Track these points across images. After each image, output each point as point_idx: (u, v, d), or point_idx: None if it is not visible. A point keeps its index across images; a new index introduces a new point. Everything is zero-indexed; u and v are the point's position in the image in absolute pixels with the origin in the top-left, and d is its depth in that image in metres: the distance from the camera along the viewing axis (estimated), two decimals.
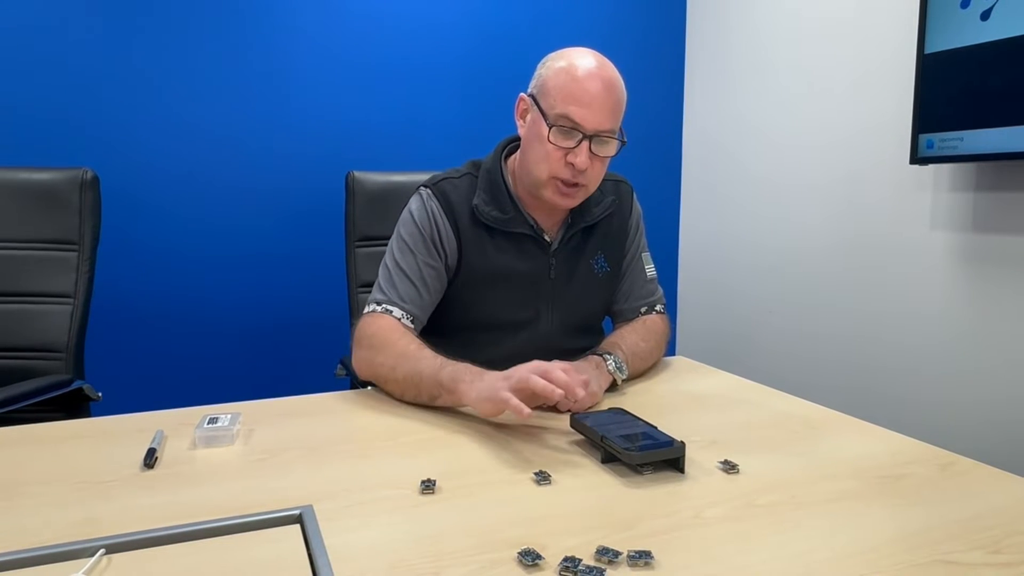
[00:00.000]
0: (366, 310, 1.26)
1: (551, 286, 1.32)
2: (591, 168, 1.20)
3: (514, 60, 2.44)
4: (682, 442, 0.88)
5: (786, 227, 2.37)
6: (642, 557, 0.66)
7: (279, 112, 2.24)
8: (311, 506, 0.77)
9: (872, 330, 2.07)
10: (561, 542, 0.70)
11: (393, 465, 0.90)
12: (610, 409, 1.03)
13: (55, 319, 1.61)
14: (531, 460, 0.92)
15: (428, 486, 0.82)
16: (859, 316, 2.12)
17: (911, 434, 1.00)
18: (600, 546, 0.68)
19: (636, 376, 1.30)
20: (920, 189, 1.92)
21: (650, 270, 1.43)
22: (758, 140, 2.47)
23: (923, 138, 1.76)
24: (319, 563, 0.66)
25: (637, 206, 1.44)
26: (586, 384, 1.03)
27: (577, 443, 0.98)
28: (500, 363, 1.06)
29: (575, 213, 1.32)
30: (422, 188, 1.32)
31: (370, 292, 1.31)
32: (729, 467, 0.89)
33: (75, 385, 1.54)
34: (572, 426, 0.99)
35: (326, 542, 0.69)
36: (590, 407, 1.08)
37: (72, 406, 1.54)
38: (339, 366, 1.72)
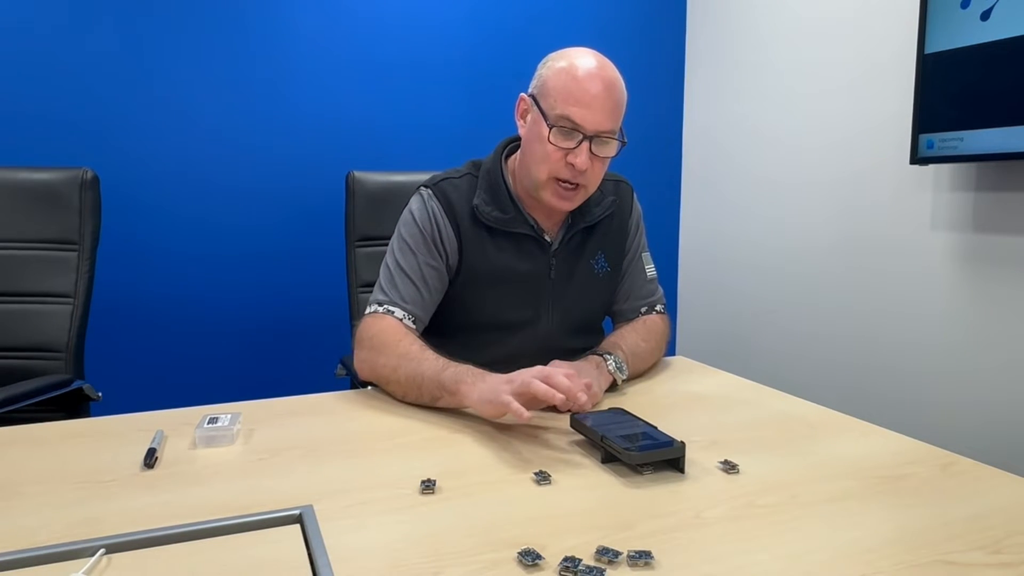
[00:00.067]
0: (367, 311, 1.26)
1: (551, 286, 1.32)
2: (591, 169, 1.20)
3: (514, 60, 2.44)
4: (682, 442, 0.88)
5: (786, 227, 2.37)
6: (642, 557, 0.66)
7: (279, 112, 2.24)
8: (311, 506, 0.77)
9: (872, 330, 2.07)
10: (561, 542, 0.70)
11: (393, 465, 0.90)
12: (610, 409, 1.03)
13: (55, 319, 1.61)
14: (531, 460, 0.92)
15: (428, 486, 0.82)
16: (859, 316, 2.12)
17: (911, 434, 1.00)
18: (600, 546, 0.68)
19: (636, 376, 1.30)
20: (920, 189, 1.92)
21: (650, 270, 1.43)
22: (758, 140, 2.47)
23: (923, 138, 1.76)
24: (319, 563, 0.66)
25: (637, 206, 1.44)
26: (588, 387, 1.03)
27: (577, 443, 0.98)
28: (501, 363, 1.06)
29: (575, 213, 1.32)
30: (422, 188, 1.32)
31: (370, 292, 1.31)
32: (729, 467, 0.89)
33: (75, 385, 1.54)
34: (572, 426, 0.99)
35: (326, 542, 0.69)
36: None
37: (72, 406, 1.54)
38: (339, 366, 1.72)
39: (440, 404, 1.10)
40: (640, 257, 1.42)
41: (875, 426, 1.05)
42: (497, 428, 1.03)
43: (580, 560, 0.66)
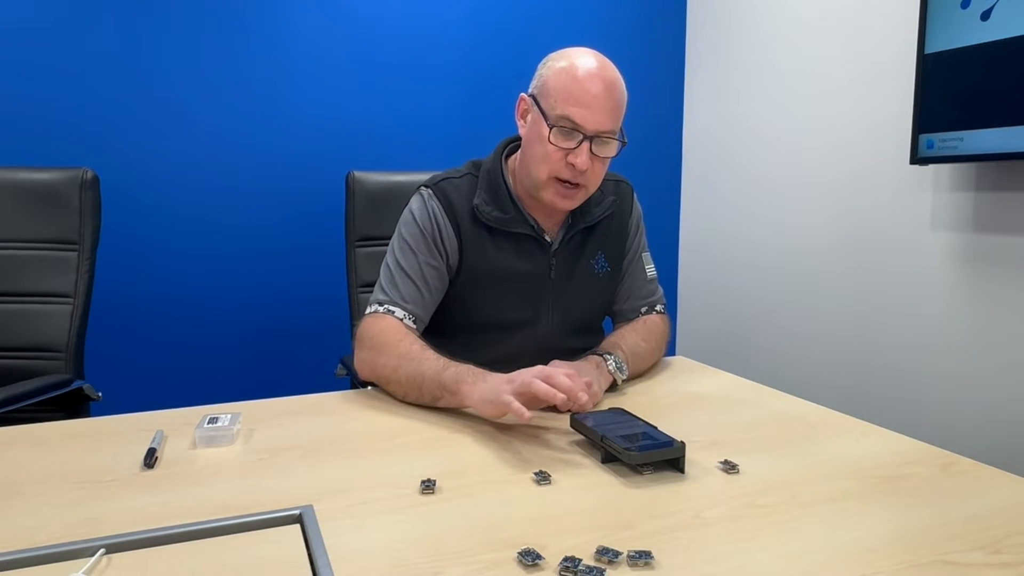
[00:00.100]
0: (368, 311, 1.26)
1: (551, 286, 1.32)
2: (591, 169, 1.20)
3: (514, 60, 2.44)
4: (682, 442, 0.88)
5: (786, 227, 2.37)
6: (642, 557, 0.66)
7: (279, 112, 2.24)
8: (311, 506, 0.77)
9: (872, 330, 2.07)
10: (561, 542, 0.70)
11: (393, 465, 0.90)
12: (610, 409, 1.03)
13: (55, 319, 1.61)
14: (531, 460, 0.92)
15: (428, 486, 0.82)
16: (859, 316, 2.11)
17: (911, 434, 1.00)
18: (600, 546, 0.68)
19: (636, 376, 1.30)
20: (920, 189, 1.92)
21: (650, 270, 1.43)
22: (758, 140, 2.47)
23: (923, 138, 1.76)
24: (319, 563, 0.66)
25: (637, 206, 1.44)
26: (589, 387, 1.03)
27: (577, 443, 0.98)
28: (501, 363, 1.07)
29: (575, 213, 1.32)
30: (423, 188, 1.32)
31: (370, 292, 1.31)
32: (729, 467, 0.89)
33: (75, 385, 1.54)
34: (572, 426, 0.99)
35: (326, 542, 0.69)
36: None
37: (72, 406, 1.54)
38: (339, 366, 1.72)
39: (441, 404, 1.10)
40: (640, 257, 1.42)
41: (875, 426, 1.05)
42: (497, 428, 1.03)
43: (580, 560, 0.66)
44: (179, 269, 2.18)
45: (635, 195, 1.44)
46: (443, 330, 1.31)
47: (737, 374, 1.33)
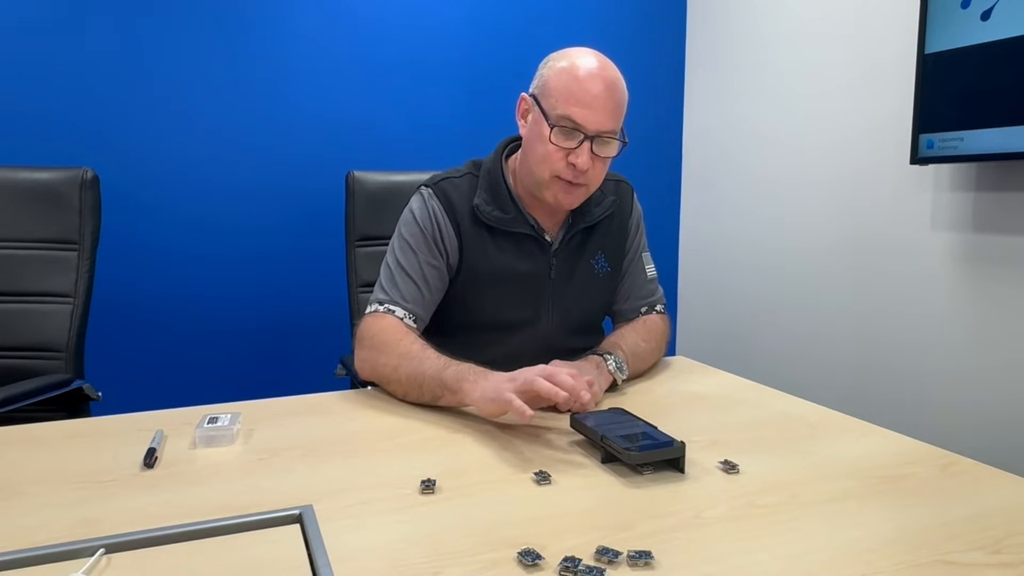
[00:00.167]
0: (368, 310, 1.26)
1: (551, 286, 1.32)
2: (592, 169, 1.20)
3: (514, 60, 2.44)
4: (682, 442, 0.88)
5: (786, 227, 2.37)
6: (642, 557, 0.66)
7: (279, 112, 2.24)
8: (311, 506, 0.77)
9: (872, 330, 2.07)
10: (561, 542, 0.70)
11: (393, 465, 0.90)
12: (610, 409, 1.03)
13: (55, 319, 1.61)
14: (531, 460, 0.92)
15: (428, 486, 0.82)
16: (859, 316, 2.11)
17: (911, 434, 1.00)
18: (600, 546, 0.68)
19: (636, 376, 1.30)
20: (920, 189, 1.92)
21: (650, 270, 1.43)
22: (758, 140, 2.47)
23: (923, 138, 1.76)
24: (319, 563, 0.66)
25: (637, 206, 1.44)
26: (591, 386, 1.03)
27: (577, 443, 0.98)
28: (501, 363, 1.07)
29: (576, 213, 1.32)
30: (423, 187, 1.32)
31: (370, 292, 1.31)
32: (729, 467, 0.89)
33: (75, 385, 1.54)
34: (572, 426, 0.99)
35: (326, 542, 0.69)
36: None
37: (72, 406, 1.54)
38: (339, 366, 1.72)
39: (442, 403, 1.10)
40: (640, 257, 1.42)
41: (875, 426, 1.05)
42: (497, 428, 1.03)
43: (580, 560, 0.66)
44: (179, 269, 2.18)
45: (635, 195, 1.44)
46: (443, 330, 1.31)
47: (737, 374, 1.33)
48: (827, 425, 1.07)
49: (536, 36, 2.48)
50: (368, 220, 1.79)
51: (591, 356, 1.24)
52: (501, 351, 1.24)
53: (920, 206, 1.93)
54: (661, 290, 1.45)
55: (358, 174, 1.81)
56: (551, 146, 1.18)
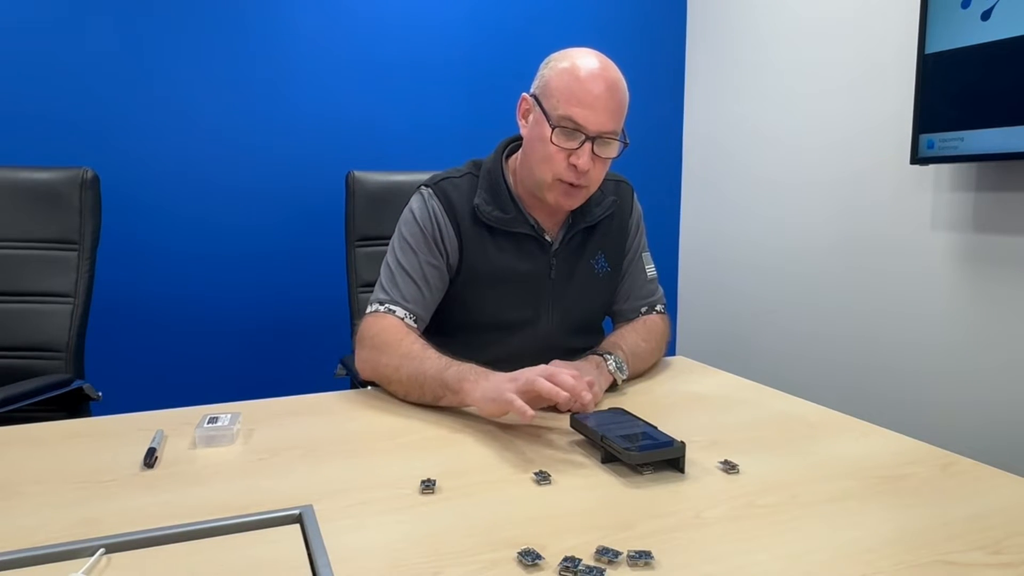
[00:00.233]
0: (369, 310, 1.26)
1: (551, 286, 1.32)
2: (593, 169, 1.20)
3: (514, 60, 2.44)
4: (682, 442, 0.88)
5: (786, 227, 2.37)
6: (642, 557, 0.66)
7: (279, 112, 2.24)
8: (311, 506, 0.77)
9: (872, 330, 2.07)
10: (561, 542, 0.70)
11: (393, 465, 0.90)
12: (610, 409, 1.03)
13: (55, 318, 1.61)
14: (531, 460, 0.92)
15: (428, 486, 0.82)
16: (859, 316, 2.11)
17: (911, 434, 1.00)
18: (600, 546, 0.68)
19: (636, 376, 1.30)
20: (920, 189, 1.92)
21: (650, 270, 1.43)
22: (758, 140, 2.47)
23: (923, 138, 1.76)
24: (319, 563, 0.66)
25: (637, 206, 1.44)
26: (592, 386, 1.03)
27: (577, 443, 0.98)
28: (501, 363, 1.07)
29: (576, 213, 1.32)
30: (423, 187, 1.32)
31: (370, 292, 1.31)
32: (729, 467, 0.89)
33: (75, 385, 1.54)
34: (572, 426, 0.99)
35: (326, 542, 0.69)
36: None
37: (72, 406, 1.54)
38: (339, 366, 1.72)
39: (443, 403, 1.10)
40: (640, 257, 1.42)
41: (875, 426, 1.05)
42: (497, 428, 1.03)
43: (580, 560, 0.66)
44: (179, 269, 2.18)
45: (635, 195, 1.44)
46: (443, 329, 1.31)
47: (737, 374, 1.33)
48: (827, 425, 1.07)
49: (536, 36, 2.48)
50: (368, 220, 1.79)
51: (591, 356, 1.24)
52: (501, 351, 1.24)
53: (920, 206, 1.93)
54: (661, 290, 1.45)
55: (358, 174, 1.81)
56: (552, 147, 1.18)
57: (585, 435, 0.96)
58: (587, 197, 1.27)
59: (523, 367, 1.01)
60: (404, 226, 1.30)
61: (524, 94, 1.27)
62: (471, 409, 1.08)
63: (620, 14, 2.63)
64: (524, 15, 2.48)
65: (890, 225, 2.01)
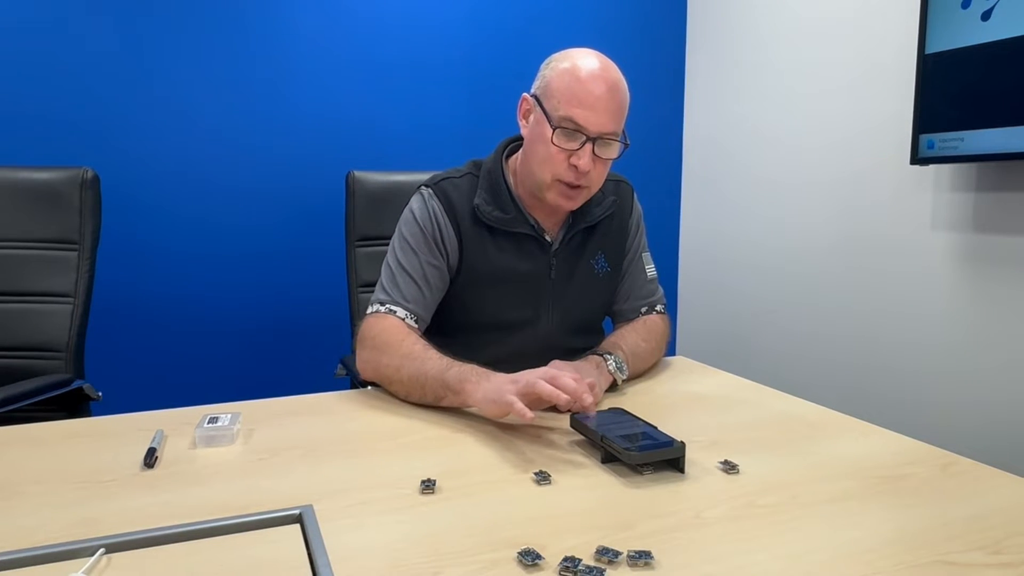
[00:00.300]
0: (369, 310, 1.26)
1: (551, 286, 1.32)
2: (594, 170, 1.20)
3: (514, 60, 2.44)
4: (682, 442, 0.88)
5: (786, 227, 2.37)
6: (642, 557, 0.66)
7: (279, 112, 2.24)
8: (311, 506, 0.77)
9: (872, 330, 2.07)
10: (561, 542, 0.70)
11: (393, 465, 0.90)
12: (610, 409, 1.03)
13: (55, 318, 1.61)
14: (531, 460, 0.92)
15: (428, 486, 0.82)
16: (859, 316, 2.11)
17: (911, 434, 1.00)
18: (600, 546, 0.68)
19: (636, 376, 1.30)
20: (920, 189, 1.92)
21: (650, 270, 1.43)
22: (758, 140, 2.47)
23: (924, 138, 1.76)
24: (319, 563, 0.66)
25: (638, 206, 1.44)
26: (593, 388, 1.03)
27: (577, 443, 0.98)
28: (501, 363, 1.07)
29: (576, 213, 1.32)
30: (423, 187, 1.32)
31: (370, 292, 1.31)
32: (729, 467, 0.89)
33: (75, 385, 1.54)
34: (572, 426, 0.99)
35: (326, 542, 0.69)
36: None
37: (72, 406, 1.54)
38: (339, 366, 1.72)
39: (444, 403, 1.10)
40: (640, 257, 1.42)
41: (875, 426, 1.05)
42: (497, 428, 1.03)
43: (580, 560, 0.66)
44: (179, 269, 2.18)
45: (635, 195, 1.44)
46: (443, 330, 1.31)
47: (737, 374, 1.33)
48: (827, 425, 1.07)
49: (536, 36, 2.48)
50: (368, 220, 1.79)
51: (591, 356, 1.24)
52: (501, 351, 1.24)
53: (920, 206, 1.93)
54: (661, 290, 1.45)
55: (358, 174, 1.81)
56: (553, 147, 1.18)
57: (585, 435, 0.96)
58: (588, 198, 1.27)
59: (523, 367, 1.01)
60: (404, 226, 1.30)
61: (525, 94, 1.27)
62: (472, 409, 1.08)
63: (620, 14, 2.63)
64: (524, 15, 2.48)
65: (890, 225, 2.01)
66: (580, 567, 0.65)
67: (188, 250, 2.19)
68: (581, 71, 1.17)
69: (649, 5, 2.68)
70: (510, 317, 1.31)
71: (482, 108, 2.45)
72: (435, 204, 1.29)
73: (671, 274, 2.85)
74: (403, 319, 1.22)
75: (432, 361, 1.11)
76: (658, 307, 1.42)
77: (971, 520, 0.76)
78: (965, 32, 1.65)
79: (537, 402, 0.97)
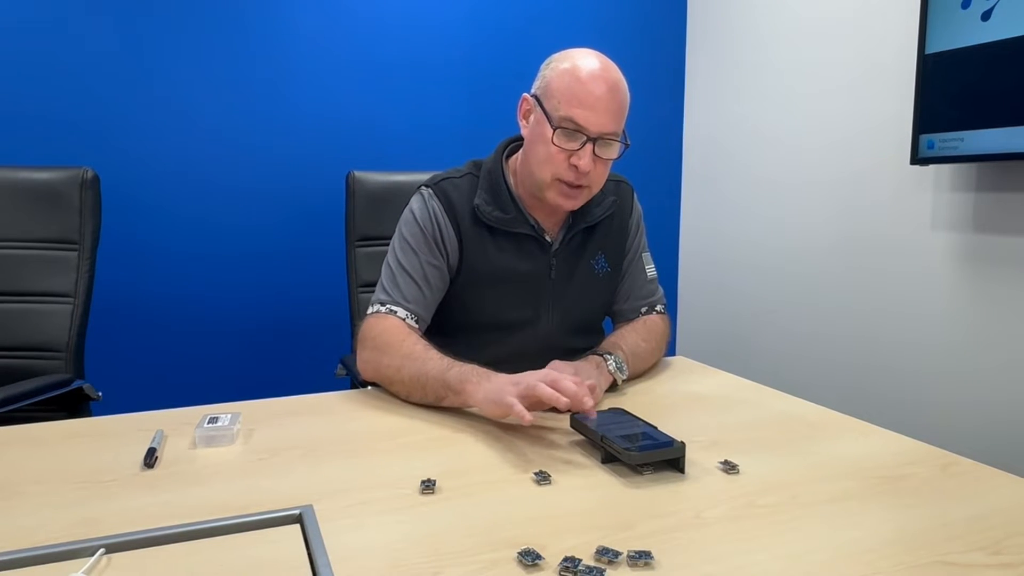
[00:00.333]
0: (370, 310, 1.26)
1: (551, 286, 1.32)
2: (594, 171, 1.20)
3: (515, 60, 2.44)
4: (682, 442, 0.88)
5: (786, 227, 2.37)
6: (642, 557, 0.66)
7: (280, 112, 2.24)
8: (311, 506, 0.77)
9: (872, 330, 2.07)
10: (561, 542, 0.70)
11: (393, 465, 0.90)
12: (610, 409, 1.03)
13: (55, 318, 1.61)
14: (531, 460, 0.92)
15: (428, 486, 0.82)
16: (859, 316, 2.11)
17: (911, 434, 1.00)
18: (600, 546, 0.68)
19: (636, 376, 1.30)
20: (920, 189, 1.92)
21: (650, 270, 1.43)
22: (758, 140, 2.47)
23: (924, 138, 1.76)
24: (319, 563, 0.66)
25: (638, 206, 1.44)
26: (593, 389, 1.03)
27: (577, 443, 0.98)
28: (501, 363, 1.07)
29: (576, 213, 1.32)
30: (423, 188, 1.32)
31: (371, 292, 1.31)
32: (729, 467, 0.89)
33: (75, 385, 1.54)
34: (572, 426, 0.99)
35: (326, 542, 0.69)
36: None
37: (72, 406, 1.54)
38: (339, 366, 1.72)
39: (445, 403, 1.10)
40: (640, 257, 1.42)
41: (875, 426, 1.05)
42: (497, 428, 1.03)
43: (580, 560, 0.66)
44: (179, 269, 2.18)
45: (635, 195, 1.44)
46: (443, 330, 1.31)
47: (737, 374, 1.33)
48: (827, 425, 1.07)
49: (536, 36, 2.48)
50: (368, 220, 1.79)
51: (591, 356, 1.24)
52: (501, 351, 1.24)
53: (920, 206, 1.93)
54: (661, 290, 1.45)
55: (358, 174, 1.81)
56: (553, 147, 1.18)
57: (585, 435, 0.96)
58: (588, 198, 1.27)
59: (523, 367, 1.01)
60: (404, 226, 1.30)
61: (525, 94, 1.27)
62: (472, 410, 1.08)
63: (620, 14, 2.63)
64: (524, 15, 2.48)
65: (890, 225, 2.01)
66: (580, 567, 0.65)
67: (188, 250, 2.19)
68: (581, 71, 1.17)
69: (649, 5, 2.68)
70: (510, 317, 1.31)
71: (482, 108, 2.45)
72: (435, 204, 1.29)
73: (671, 274, 2.85)
74: (404, 319, 1.22)
75: (433, 361, 1.11)
76: (658, 307, 1.42)
77: (971, 520, 0.76)
78: (965, 32, 1.65)
79: (538, 404, 0.97)
